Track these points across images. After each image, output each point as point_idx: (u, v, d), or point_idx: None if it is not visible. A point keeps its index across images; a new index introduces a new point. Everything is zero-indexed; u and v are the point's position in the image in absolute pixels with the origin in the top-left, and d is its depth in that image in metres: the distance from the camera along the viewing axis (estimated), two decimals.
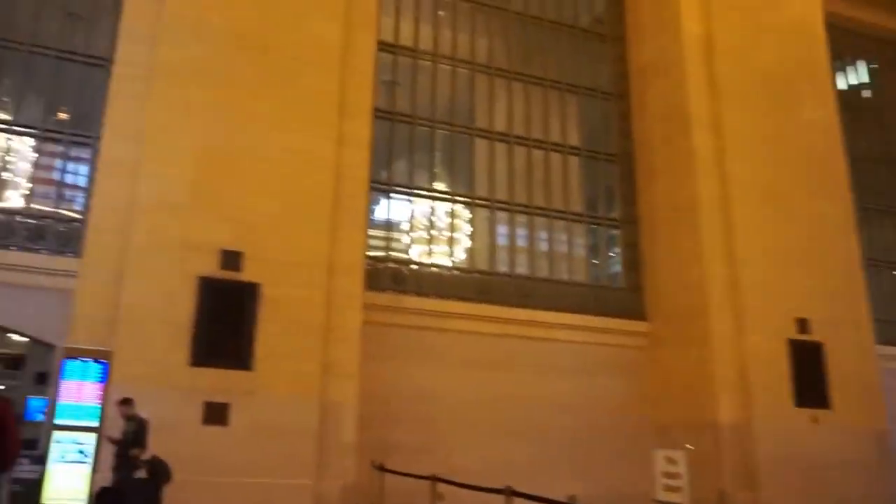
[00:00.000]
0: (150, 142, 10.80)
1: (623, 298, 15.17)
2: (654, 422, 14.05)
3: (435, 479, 7.85)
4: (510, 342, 13.68)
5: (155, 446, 8.44)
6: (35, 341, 11.97)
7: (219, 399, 10.18)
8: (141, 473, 7.25)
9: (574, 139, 16.13)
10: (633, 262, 15.47)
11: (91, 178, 11.85)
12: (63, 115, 12.67)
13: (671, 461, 9.58)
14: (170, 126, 10.89)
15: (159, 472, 6.96)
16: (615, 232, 15.95)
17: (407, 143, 14.39)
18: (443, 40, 15.30)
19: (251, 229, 10.83)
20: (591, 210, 16.01)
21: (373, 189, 13.18)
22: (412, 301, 13.30)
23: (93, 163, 11.92)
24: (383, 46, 14.21)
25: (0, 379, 29.96)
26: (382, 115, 13.91)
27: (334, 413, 10.82)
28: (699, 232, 13.85)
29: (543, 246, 15.20)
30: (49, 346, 11.46)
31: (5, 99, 12.65)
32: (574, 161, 15.95)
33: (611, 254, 16.06)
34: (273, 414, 10.32)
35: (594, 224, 15.95)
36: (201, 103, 11.07)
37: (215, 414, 10.11)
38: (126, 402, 7.91)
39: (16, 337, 26.01)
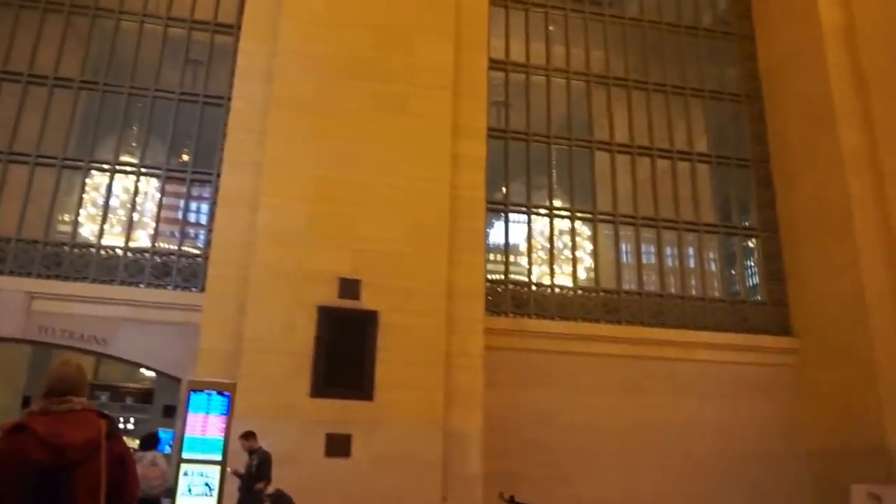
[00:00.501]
0: (268, 174, 10.89)
1: (765, 313, 13.91)
2: (803, 447, 12.71)
3: None
4: (641, 364, 12.77)
5: (278, 479, 8.31)
6: (162, 375, 12.28)
7: (340, 430, 9.98)
8: None
9: (702, 146, 15.11)
10: (774, 272, 14.18)
11: (211, 213, 12.15)
12: (185, 155, 13.14)
13: (875, 498, 8.17)
14: (286, 158, 10.96)
15: None
16: (752, 242, 14.72)
17: (523, 162, 13.90)
18: (555, 55, 14.78)
19: (368, 256, 10.65)
20: (724, 220, 14.87)
21: (490, 210, 12.76)
22: (535, 324, 12.71)
23: (213, 198, 12.24)
24: (494, 64, 13.84)
25: (131, 412, 31.65)
26: (496, 134, 13.51)
27: (459, 443, 10.37)
28: (852, 236, 12.46)
29: (673, 261, 14.22)
30: (175, 380, 11.72)
31: (133, 144, 13.27)
32: (703, 169, 14.91)
33: (748, 265, 14.81)
34: (396, 444, 10.00)
35: (728, 234, 14.79)
36: (315, 133, 11.09)
37: (337, 445, 9.90)
38: (248, 435, 7.80)
39: (145, 371, 27.49)
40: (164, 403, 30.26)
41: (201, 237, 12.67)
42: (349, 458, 9.90)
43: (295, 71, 11.48)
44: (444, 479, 10.10)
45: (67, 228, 12.73)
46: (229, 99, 12.39)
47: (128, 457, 2.75)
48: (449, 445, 10.26)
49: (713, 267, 14.68)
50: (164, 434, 13.78)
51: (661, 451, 12.27)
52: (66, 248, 12.17)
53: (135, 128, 13.26)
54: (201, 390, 10.04)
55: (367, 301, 10.45)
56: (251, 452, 7.83)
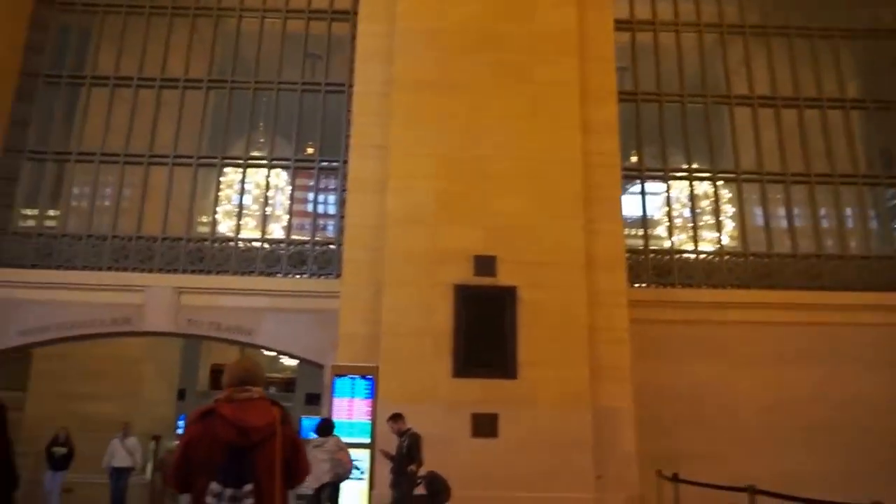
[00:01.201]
0: (394, 156, 10.75)
1: None
2: None
3: (754, 490, 6.54)
4: (799, 331, 11.73)
5: (425, 461, 8.12)
6: (304, 362, 12.46)
7: (485, 410, 9.72)
8: (420, 490, 6.89)
9: (854, 91, 13.73)
10: None
11: (341, 200, 12.18)
12: (311, 146, 13.25)
13: None
14: (411, 138, 10.77)
15: (439, 489, 6.53)
16: None
17: (655, 124, 13.09)
18: (684, 9, 13.80)
19: (503, 232, 10.30)
20: (884, 170, 13.45)
21: (624, 177, 12.08)
22: (680, 293, 11.97)
23: (342, 185, 12.27)
24: (620, 25, 13.03)
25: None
26: (626, 97, 12.76)
27: (609, 420, 9.88)
28: None
29: (829, 219, 13.02)
30: (317, 366, 11.87)
31: (261, 140, 13.53)
32: (858, 116, 13.54)
33: None
34: (544, 424, 9.64)
35: (891, 186, 13.37)
36: (439, 111, 10.83)
37: (484, 426, 9.66)
38: (396, 417, 7.67)
39: (286, 361, 28.53)
40: (305, 392, 31.48)
41: (333, 224, 12.76)
42: (496, 439, 9.64)
43: (414, 49, 11.25)
44: (597, 458, 9.65)
45: (207, 224, 13.18)
46: (351, 85, 12.39)
47: (298, 441, 3.08)
48: (599, 423, 9.79)
49: (875, 222, 13.34)
50: (307, 421, 14.06)
51: (826, 425, 11.20)
52: (206, 243, 12.57)
53: (261, 124, 13.54)
54: (345, 375, 10.09)
55: (503, 277, 10.11)
56: (400, 434, 7.69)
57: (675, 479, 8.73)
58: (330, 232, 12.71)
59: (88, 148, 13.16)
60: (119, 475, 13.12)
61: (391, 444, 8.33)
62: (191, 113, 13.28)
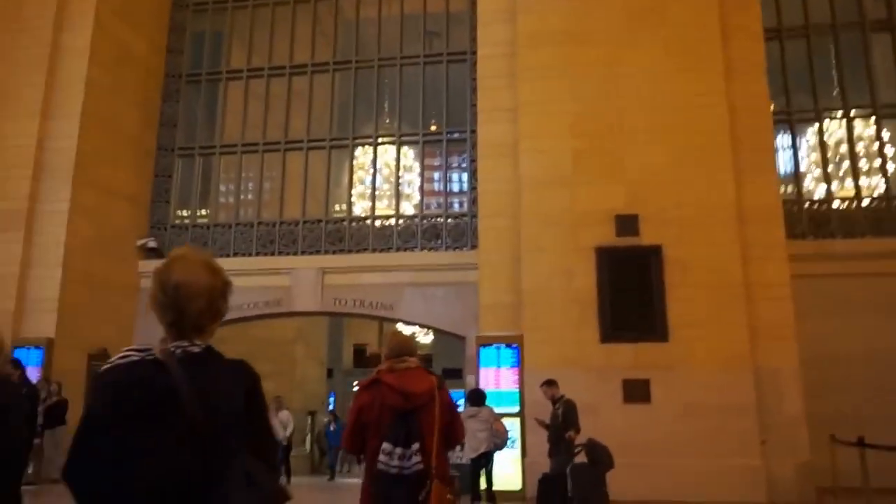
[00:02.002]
0: (524, 117, 10.48)
1: None
2: None
3: None
4: None
5: None
6: (445, 335, 12.51)
7: (636, 375, 9.36)
8: (580, 458, 6.67)
9: None
10: None
11: (472, 170, 12.08)
12: (436, 119, 13.21)
13: None
14: (541, 97, 10.44)
15: (601, 458, 6.30)
16: None
17: (803, 62, 12.02)
18: None
19: (644, 188, 9.82)
20: None
21: (774, 121, 11.16)
22: (841, 245, 11.03)
23: (471, 155, 12.16)
24: None
25: None
26: (768, 34, 11.77)
27: (773, 381, 9.23)
28: None
29: None
30: (458, 338, 11.90)
31: (387, 121, 13.63)
32: None
33: None
34: (700, 387, 9.15)
35: None
36: (568, 65, 10.43)
37: (636, 391, 9.31)
38: (551, 383, 7.47)
39: (421, 339, 28.94)
40: (443, 367, 32.04)
41: (465, 195, 12.70)
42: (649, 404, 9.26)
43: (539, 3, 10.86)
44: (761, 423, 9.06)
45: (343, 204, 13.49)
46: (473, 52, 12.22)
47: (454, 405, 3.32)
48: (761, 385, 9.18)
49: None
50: (457, 394, 14.20)
51: None
52: (344, 223, 12.87)
53: (386, 104, 13.66)
54: (490, 344, 10.02)
55: (647, 236, 9.65)
56: (554, 401, 7.50)
57: (861, 444, 7.86)
58: (465, 200, 12.65)
59: (230, 140, 13.78)
60: None
61: (543, 412, 8.15)
62: (320, 97, 13.59)
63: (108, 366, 1.57)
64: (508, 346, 9.89)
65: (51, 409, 10.68)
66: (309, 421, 19.38)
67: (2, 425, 2.93)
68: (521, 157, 10.25)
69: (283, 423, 13.78)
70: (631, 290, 9.48)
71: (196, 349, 1.60)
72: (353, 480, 14.70)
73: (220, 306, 1.67)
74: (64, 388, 10.93)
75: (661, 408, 9.24)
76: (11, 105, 12.04)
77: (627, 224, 9.65)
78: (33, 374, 11.14)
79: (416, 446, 3.03)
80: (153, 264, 12.41)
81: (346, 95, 13.62)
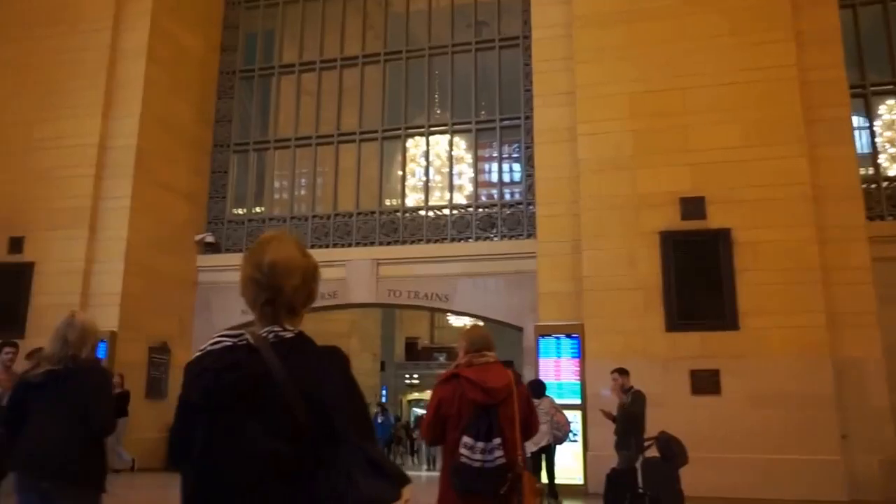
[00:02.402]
0: (581, 100, 10.13)
1: None
2: None
3: None
4: None
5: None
6: (501, 325, 12.23)
7: (705, 366, 8.93)
8: (651, 452, 6.32)
9: None
10: None
11: (526, 157, 11.79)
12: (483, 115, 12.92)
13: None
14: (598, 78, 10.07)
15: (675, 452, 5.92)
16: None
17: (880, 31, 11.27)
18: None
19: (709, 169, 9.35)
20: None
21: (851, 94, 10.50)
22: None
23: (525, 142, 11.86)
24: None
25: None
26: (842, 1, 11.09)
27: (854, 372, 8.68)
28: None
29: None
30: (516, 329, 11.61)
31: (438, 111, 13.42)
32: None
33: None
34: (773, 378, 8.66)
35: None
36: (626, 45, 10.03)
37: (704, 382, 8.88)
38: (623, 371, 7.08)
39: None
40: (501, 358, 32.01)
41: (519, 184, 12.41)
42: (719, 396, 8.82)
43: None
44: (841, 416, 8.52)
45: (396, 196, 13.35)
46: (526, 36, 11.90)
47: (531, 398, 3.47)
48: (841, 376, 8.63)
49: None
50: None
51: None
52: (398, 214, 12.72)
53: (437, 95, 13.45)
54: (549, 335, 9.71)
55: (714, 219, 9.18)
56: (624, 391, 7.13)
57: None
58: (520, 189, 12.36)
59: (283, 135, 13.80)
60: None
61: (606, 404, 7.82)
62: (372, 89, 13.48)
63: (201, 352, 1.55)
64: (569, 336, 9.57)
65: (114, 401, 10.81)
66: None
67: (99, 404, 3.19)
68: (579, 141, 9.90)
69: None
70: (698, 276, 9.04)
71: (289, 334, 1.55)
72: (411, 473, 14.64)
73: (312, 287, 1.64)
74: (126, 381, 11.11)
75: (732, 400, 8.79)
76: (74, 106, 12.26)
77: (693, 207, 9.20)
78: None
79: (497, 441, 3.07)
80: (211, 259, 12.54)
81: (398, 86, 13.45)
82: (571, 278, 9.74)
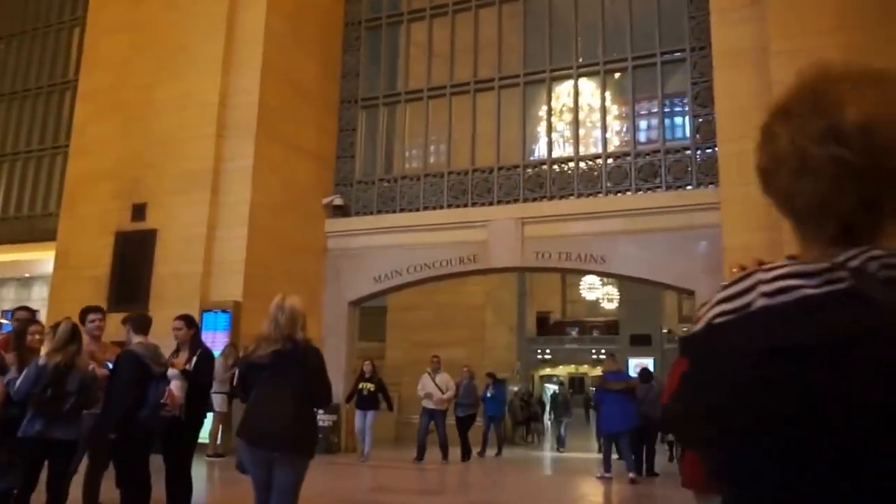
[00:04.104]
0: (774, 12, 8.27)
1: None
2: None
3: None
4: None
5: None
6: (669, 289, 10.62)
7: None
8: None
9: None
10: None
11: (693, 93, 10.02)
12: (648, 38, 11.15)
13: None
14: None
15: None
16: None
17: None
18: None
19: None
20: None
21: None
22: None
23: (692, 74, 10.09)
24: None
25: (600, 344, 31.17)
26: None
27: None
28: None
29: None
30: (686, 293, 10.00)
31: (587, 51, 11.77)
32: None
33: None
34: None
35: None
36: None
37: None
38: None
39: (606, 305, 26.89)
40: (630, 333, 30.06)
41: (683, 125, 10.64)
42: None
43: None
44: None
45: (542, 147, 11.90)
46: None
47: None
48: None
49: None
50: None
51: None
52: (544, 167, 11.30)
53: (586, 29, 11.79)
54: None
55: None
56: None
57: None
58: (684, 131, 10.61)
59: (415, 86, 12.66)
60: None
61: None
62: (511, 29, 12.10)
63: (731, 317, 0.70)
64: None
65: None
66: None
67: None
68: (771, 62, 8.04)
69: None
70: None
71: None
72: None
73: None
74: None
75: None
76: (193, 63, 11.63)
77: None
78: (221, 339, 10.62)
79: None
80: (340, 223, 11.59)
81: (540, 24, 11.96)
82: (768, 227, 7.96)
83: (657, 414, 8.35)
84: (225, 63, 11.52)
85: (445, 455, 10.13)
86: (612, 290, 31.56)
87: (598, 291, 32.67)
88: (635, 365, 19.64)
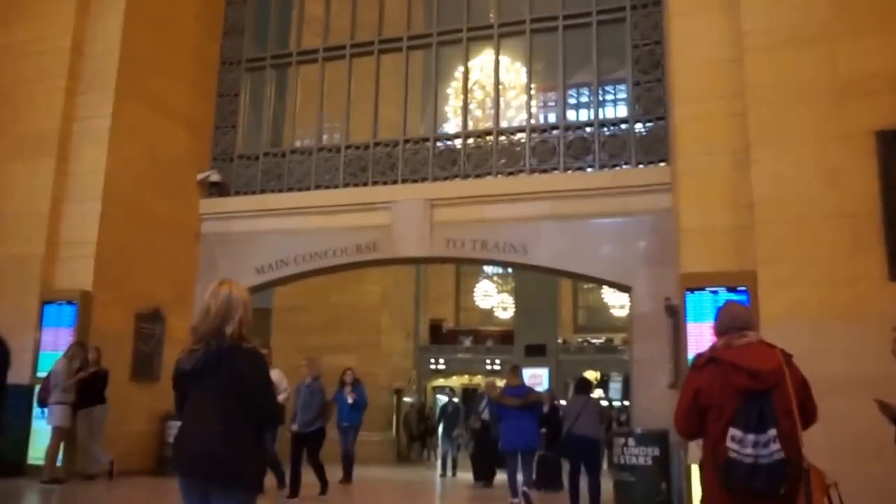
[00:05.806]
0: None
1: None
2: None
3: None
4: None
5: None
6: (607, 285, 9.41)
7: None
8: None
9: None
10: None
11: (635, 56, 8.87)
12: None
13: None
14: None
15: None
16: None
17: None
18: None
19: None
20: None
21: None
22: None
23: (633, 35, 8.93)
24: None
25: (494, 354, 30.00)
26: None
27: None
28: None
29: None
30: (623, 289, 8.84)
31: (510, 7, 10.39)
32: None
33: None
34: None
35: None
36: None
37: None
38: None
39: (500, 314, 25.93)
40: (525, 343, 29.39)
41: (622, 95, 9.43)
42: None
43: None
44: None
45: (455, 118, 10.42)
46: None
47: (806, 381, 2.85)
48: None
49: None
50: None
51: None
52: (458, 141, 9.83)
53: None
54: (701, 288, 6.76)
55: None
56: None
57: None
58: (625, 100, 9.40)
59: (308, 46, 10.93)
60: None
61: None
62: None
63: None
64: (732, 289, 6.59)
65: (86, 384, 8.07)
66: (394, 400, 16.84)
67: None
68: (742, 5, 6.87)
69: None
70: None
71: None
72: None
73: None
74: (103, 357, 8.35)
75: None
76: (41, 1, 9.54)
77: None
78: (65, 336, 8.64)
79: (772, 432, 2.62)
80: (218, 203, 9.66)
81: None
82: (732, 206, 6.79)
83: (598, 435, 7.06)
84: (81, 2, 9.49)
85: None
86: (507, 299, 30.94)
87: (492, 300, 32.06)
88: (529, 376, 18.54)
